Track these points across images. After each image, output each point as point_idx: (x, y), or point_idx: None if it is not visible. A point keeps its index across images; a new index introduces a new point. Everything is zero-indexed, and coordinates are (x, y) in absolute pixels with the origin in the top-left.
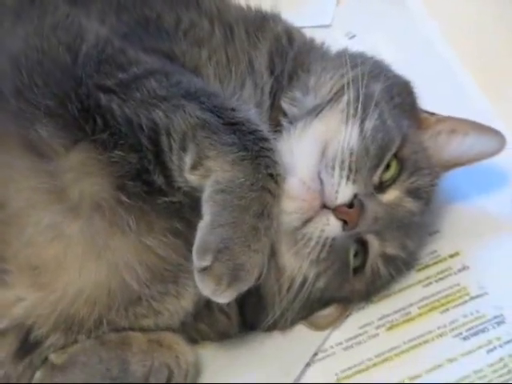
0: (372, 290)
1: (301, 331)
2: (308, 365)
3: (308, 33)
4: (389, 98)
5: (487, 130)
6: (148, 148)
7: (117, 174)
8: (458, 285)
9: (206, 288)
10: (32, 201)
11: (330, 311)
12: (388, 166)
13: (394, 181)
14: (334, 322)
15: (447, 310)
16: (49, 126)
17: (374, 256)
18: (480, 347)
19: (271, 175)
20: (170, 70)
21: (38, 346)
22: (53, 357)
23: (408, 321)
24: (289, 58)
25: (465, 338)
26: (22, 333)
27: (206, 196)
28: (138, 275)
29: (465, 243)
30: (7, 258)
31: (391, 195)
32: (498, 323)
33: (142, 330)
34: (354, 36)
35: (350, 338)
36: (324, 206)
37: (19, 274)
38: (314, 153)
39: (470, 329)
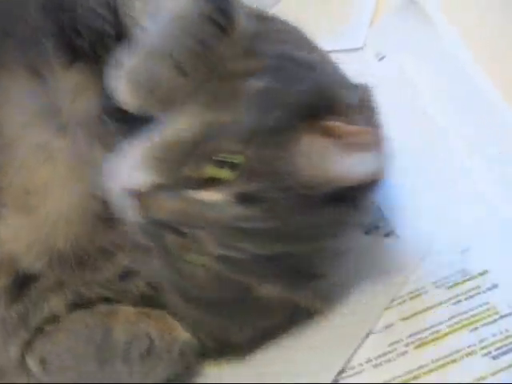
0: None
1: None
2: (336, 381)
3: (341, 57)
4: (266, 96)
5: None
6: None
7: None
8: (488, 303)
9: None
10: (25, 123)
11: None
12: (228, 163)
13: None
14: None
15: (476, 328)
16: (48, 46)
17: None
18: (510, 366)
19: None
20: None
21: (28, 285)
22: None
23: (437, 339)
24: None
25: (494, 357)
26: (11, 266)
27: None
28: None
29: (494, 261)
30: (3, 187)
31: (208, 195)
32: None
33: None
34: (383, 57)
35: (379, 356)
36: None
37: (13, 204)
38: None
39: (499, 348)
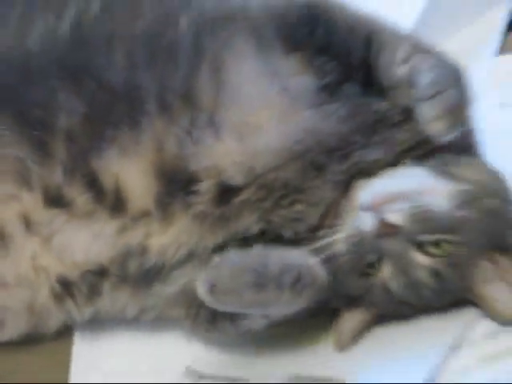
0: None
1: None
2: None
3: None
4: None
5: None
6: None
7: None
8: None
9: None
10: None
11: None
12: (437, 245)
13: (430, 254)
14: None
15: None
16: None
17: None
18: None
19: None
20: None
21: (230, 196)
22: (216, 257)
23: None
24: None
25: None
26: (217, 175)
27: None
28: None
29: None
30: (226, 118)
31: (422, 258)
32: None
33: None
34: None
35: None
36: None
37: (231, 129)
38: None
39: None
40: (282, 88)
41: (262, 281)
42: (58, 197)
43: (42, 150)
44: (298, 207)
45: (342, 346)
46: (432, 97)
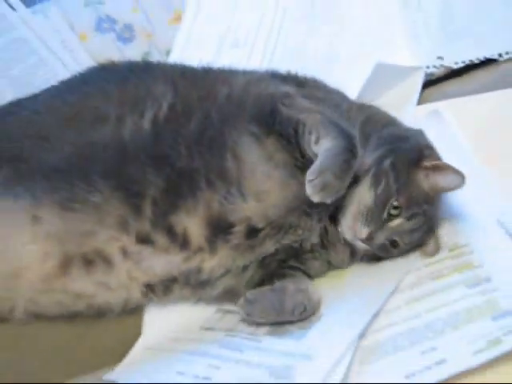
0: None
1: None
2: None
3: None
4: (393, 167)
5: (455, 171)
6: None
7: None
8: None
9: (308, 189)
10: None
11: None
12: (395, 208)
13: (399, 214)
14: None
15: None
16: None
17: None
18: None
19: (355, 149)
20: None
21: (256, 233)
22: (248, 294)
23: None
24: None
25: None
26: (247, 222)
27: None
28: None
29: None
30: (245, 185)
31: (395, 222)
32: None
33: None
34: None
35: None
36: None
37: (251, 193)
38: (354, 208)
39: None
40: (275, 165)
41: (280, 313)
42: (146, 238)
43: (137, 210)
44: (299, 232)
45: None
46: (311, 180)
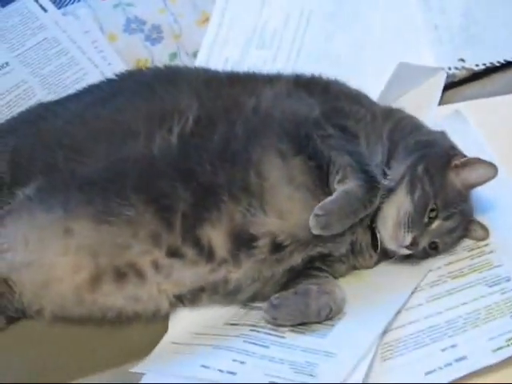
0: None
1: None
2: None
3: None
4: (426, 172)
5: (486, 163)
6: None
7: None
8: None
9: (311, 222)
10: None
11: None
12: (432, 210)
13: (436, 216)
14: None
15: None
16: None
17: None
18: None
19: (371, 201)
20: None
21: (282, 249)
22: (272, 298)
23: None
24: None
25: None
26: (272, 239)
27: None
28: None
29: None
30: (271, 203)
31: (435, 225)
32: None
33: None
34: None
35: None
36: None
37: (273, 210)
38: (395, 216)
39: None
40: (297, 187)
41: (306, 316)
42: (176, 252)
43: (168, 224)
44: (329, 245)
45: None
46: (318, 215)
